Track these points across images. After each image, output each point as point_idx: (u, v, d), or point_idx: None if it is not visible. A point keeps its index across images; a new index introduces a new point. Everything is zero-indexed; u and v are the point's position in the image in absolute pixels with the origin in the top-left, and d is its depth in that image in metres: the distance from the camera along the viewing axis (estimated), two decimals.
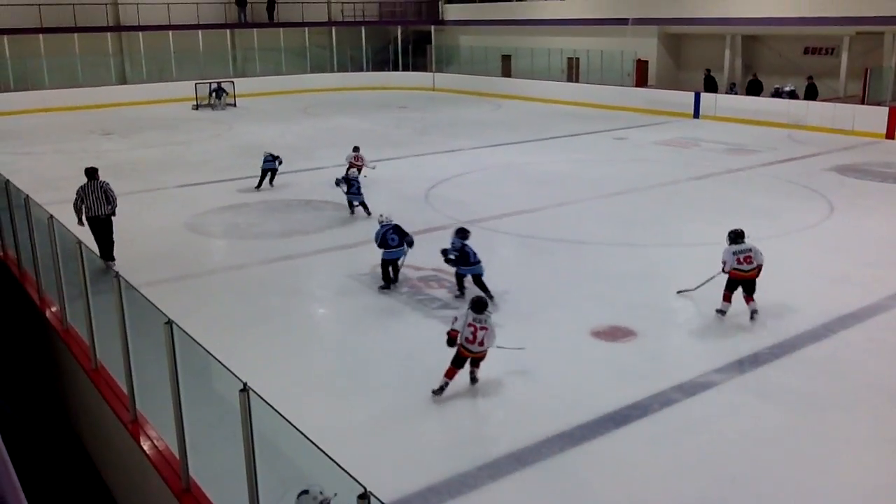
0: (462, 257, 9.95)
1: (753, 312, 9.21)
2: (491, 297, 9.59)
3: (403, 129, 25.51)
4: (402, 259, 10.60)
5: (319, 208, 14.97)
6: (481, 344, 7.53)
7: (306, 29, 38.63)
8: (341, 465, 3.47)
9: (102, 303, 6.77)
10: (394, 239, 10.38)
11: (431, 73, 38.92)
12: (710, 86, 27.56)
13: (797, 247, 12.41)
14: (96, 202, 11.47)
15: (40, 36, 32.21)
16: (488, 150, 21.30)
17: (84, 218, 11.44)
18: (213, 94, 31.36)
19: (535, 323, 9.42)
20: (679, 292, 10.12)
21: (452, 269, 10.31)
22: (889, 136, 22.00)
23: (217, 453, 5.49)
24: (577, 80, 32.89)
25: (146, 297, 5.72)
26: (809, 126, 23.55)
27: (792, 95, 25.02)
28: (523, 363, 8.28)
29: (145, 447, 5.90)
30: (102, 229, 11.51)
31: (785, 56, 28.02)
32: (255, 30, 37.77)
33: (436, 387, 7.53)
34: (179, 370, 5.17)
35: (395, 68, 40.20)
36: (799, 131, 23.35)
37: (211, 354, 4.67)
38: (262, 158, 16.61)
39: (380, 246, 10.46)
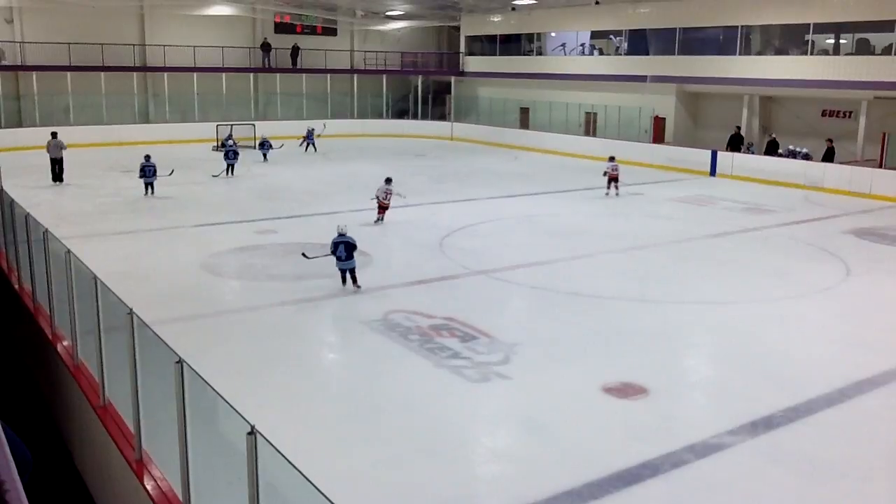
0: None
1: (616, 192, 21.84)
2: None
3: (420, 177, 25.68)
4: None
5: None
6: (388, 200, 17.36)
7: (328, 76, 39.29)
8: None
9: (114, 339, 6.76)
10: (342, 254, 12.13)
11: (450, 123, 39.36)
12: (736, 143, 27.54)
13: (812, 309, 12.30)
14: (52, 149, 22.32)
15: (68, 74, 32.86)
16: (504, 200, 21.40)
17: (50, 157, 22.17)
18: (304, 140, 31.66)
19: (546, 376, 9.33)
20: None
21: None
22: None
23: (221, 496, 5.42)
24: (594, 135, 33.14)
25: (158, 336, 5.71)
26: (827, 188, 23.57)
27: (806, 158, 25.04)
28: (533, 417, 8.19)
29: (149, 487, 5.83)
30: (56, 164, 22.27)
31: (803, 118, 28.16)
32: (278, 75, 38.44)
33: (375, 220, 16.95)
34: (188, 410, 5.14)
35: (415, 117, 40.72)
36: (816, 193, 23.36)
37: (220, 395, 4.64)
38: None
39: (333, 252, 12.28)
